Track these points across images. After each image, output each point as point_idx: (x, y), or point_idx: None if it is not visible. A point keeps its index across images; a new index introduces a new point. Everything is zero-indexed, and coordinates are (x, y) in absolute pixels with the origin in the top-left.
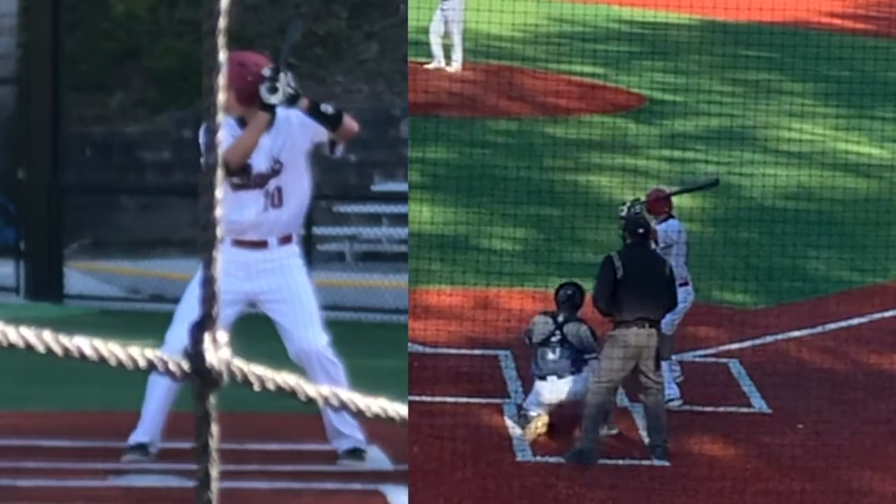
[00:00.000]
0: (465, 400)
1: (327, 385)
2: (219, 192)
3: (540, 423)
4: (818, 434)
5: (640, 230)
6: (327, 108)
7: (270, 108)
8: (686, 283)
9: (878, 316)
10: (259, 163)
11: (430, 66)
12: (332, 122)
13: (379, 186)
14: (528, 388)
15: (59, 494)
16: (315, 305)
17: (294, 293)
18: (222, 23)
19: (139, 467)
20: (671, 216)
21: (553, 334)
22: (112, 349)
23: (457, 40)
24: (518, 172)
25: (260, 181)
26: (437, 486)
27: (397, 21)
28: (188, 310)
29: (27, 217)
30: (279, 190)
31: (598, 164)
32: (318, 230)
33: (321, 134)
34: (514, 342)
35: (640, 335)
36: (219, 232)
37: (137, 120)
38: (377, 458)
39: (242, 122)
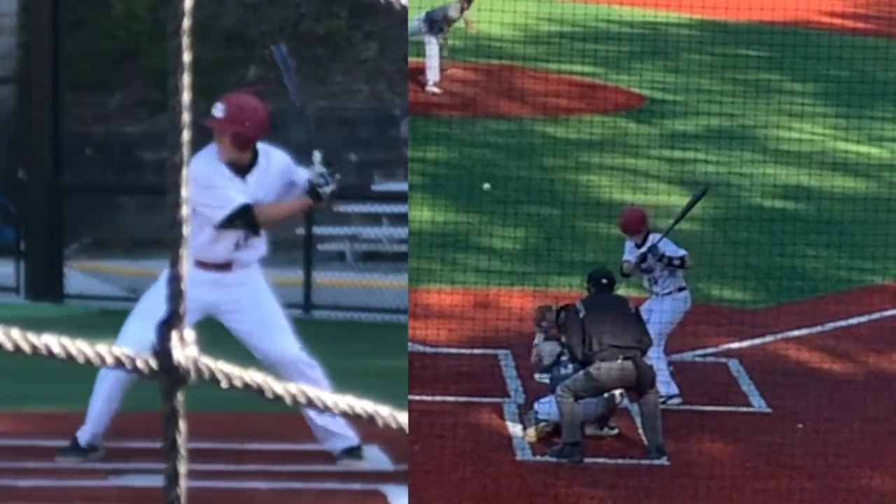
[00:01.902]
0: (465, 399)
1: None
2: (184, 191)
3: (548, 428)
4: (818, 433)
5: (604, 280)
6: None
7: (318, 198)
8: (684, 288)
9: (877, 315)
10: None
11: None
12: (316, 198)
13: (379, 186)
14: (528, 387)
15: (59, 494)
16: (282, 313)
17: (259, 302)
18: (186, 23)
19: (139, 467)
20: (650, 232)
21: (562, 353)
22: (80, 347)
23: (432, 63)
24: (518, 172)
25: None
26: (437, 485)
27: (397, 21)
28: (145, 311)
29: (27, 217)
30: None
31: (598, 164)
32: (318, 230)
33: (293, 178)
34: (514, 341)
35: (612, 369)
36: (185, 231)
37: (137, 120)
38: (377, 457)
39: (232, 166)
